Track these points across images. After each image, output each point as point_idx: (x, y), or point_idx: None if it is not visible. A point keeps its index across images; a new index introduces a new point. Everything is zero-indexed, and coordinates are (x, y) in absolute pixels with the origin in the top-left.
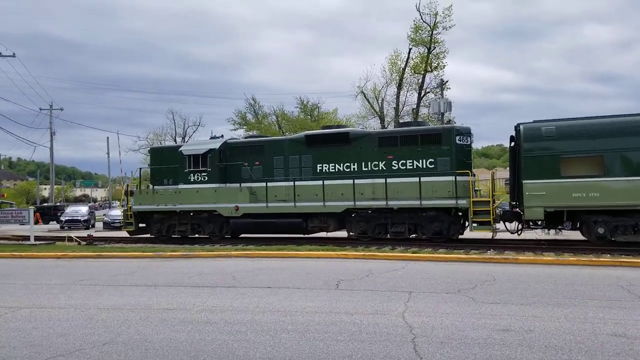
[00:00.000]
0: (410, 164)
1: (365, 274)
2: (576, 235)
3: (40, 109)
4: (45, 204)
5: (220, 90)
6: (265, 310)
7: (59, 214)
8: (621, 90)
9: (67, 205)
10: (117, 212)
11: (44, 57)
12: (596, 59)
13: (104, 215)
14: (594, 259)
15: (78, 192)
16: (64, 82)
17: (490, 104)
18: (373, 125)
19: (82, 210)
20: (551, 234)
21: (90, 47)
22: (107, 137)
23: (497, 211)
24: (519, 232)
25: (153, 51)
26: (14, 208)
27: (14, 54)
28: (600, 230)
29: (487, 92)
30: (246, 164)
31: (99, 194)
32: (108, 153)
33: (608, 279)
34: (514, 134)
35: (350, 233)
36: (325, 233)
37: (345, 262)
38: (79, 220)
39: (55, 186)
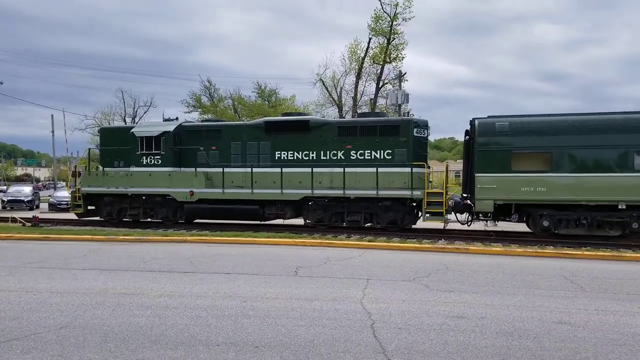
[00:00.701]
0: (369, 155)
1: (323, 261)
2: (520, 227)
3: None
4: None
5: (173, 71)
6: (225, 296)
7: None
8: (567, 89)
9: (9, 185)
10: (64, 193)
11: None
12: (545, 57)
13: (50, 196)
14: (539, 251)
15: (19, 171)
16: (4, 54)
17: (444, 97)
18: (331, 113)
19: (26, 190)
20: (489, 225)
21: (35, 19)
22: (52, 115)
23: (449, 202)
24: (469, 223)
25: (101, 26)
26: None
27: None
28: (545, 223)
29: (442, 85)
30: (202, 148)
31: (42, 173)
32: (53, 131)
33: (552, 269)
34: (468, 128)
35: (307, 221)
36: (282, 220)
37: (303, 249)
38: (22, 201)
39: None
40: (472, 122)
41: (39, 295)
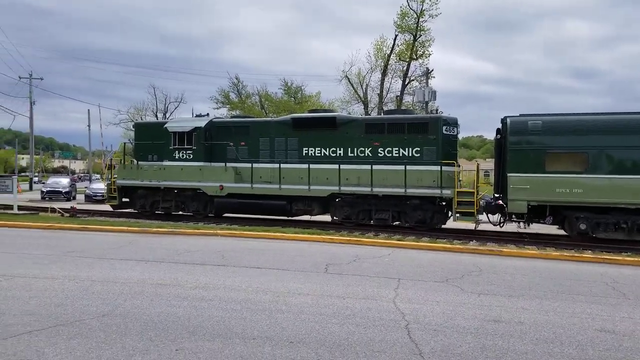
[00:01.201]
0: (397, 152)
1: (352, 259)
2: (554, 230)
3: (20, 78)
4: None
5: (201, 67)
6: (258, 290)
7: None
8: (598, 87)
9: (46, 177)
10: (99, 185)
11: (22, 25)
12: (575, 54)
13: (86, 187)
14: (576, 255)
15: (56, 164)
16: (43, 52)
17: (471, 94)
18: (357, 110)
19: (63, 181)
20: (522, 227)
21: (65, 18)
22: (88, 110)
23: (481, 202)
24: (502, 225)
25: (132, 24)
26: None
27: None
28: (582, 226)
29: (468, 82)
30: (231, 143)
31: (78, 165)
32: (89, 125)
33: (592, 275)
34: (499, 126)
35: (334, 217)
36: (309, 216)
37: (331, 246)
38: (60, 192)
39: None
40: (503, 121)
41: (81, 284)
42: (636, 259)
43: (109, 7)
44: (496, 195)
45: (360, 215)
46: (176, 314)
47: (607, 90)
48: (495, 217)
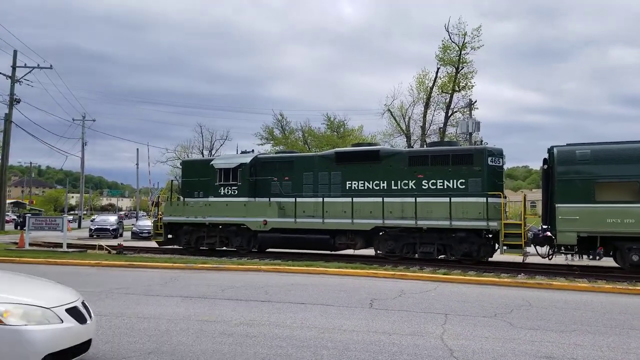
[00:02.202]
0: (441, 184)
1: (397, 294)
2: (606, 262)
3: (73, 120)
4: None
5: (246, 105)
6: (303, 327)
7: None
8: None
9: (94, 214)
10: (145, 222)
11: (75, 69)
12: (623, 81)
13: (132, 225)
14: (630, 288)
15: (105, 201)
16: (94, 94)
17: (515, 124)
18: (399, 143)
19: (111, 219)
20: (572, 260)
21: (119, 61)
22: (137, 149)
23: (528, 234)
24: (550, 257)
25: (179, 65)
26: (47, 216)
27: (51, 65)
28: (635, 258)
29: (512, 112)
30: (275, 178)
31: (125, 203)
32: (137, 164)
33: None
34: (546, 156)
35: (378, 251)
36: (352, 250)
37: (375, 280)
38: (107, 229)
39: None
40: (550, 151)
41: (128, 320)
42: None
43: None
44: (544, 226)
45: (404, 248)
46: (221, 350)
47: None
48: (544, 250)
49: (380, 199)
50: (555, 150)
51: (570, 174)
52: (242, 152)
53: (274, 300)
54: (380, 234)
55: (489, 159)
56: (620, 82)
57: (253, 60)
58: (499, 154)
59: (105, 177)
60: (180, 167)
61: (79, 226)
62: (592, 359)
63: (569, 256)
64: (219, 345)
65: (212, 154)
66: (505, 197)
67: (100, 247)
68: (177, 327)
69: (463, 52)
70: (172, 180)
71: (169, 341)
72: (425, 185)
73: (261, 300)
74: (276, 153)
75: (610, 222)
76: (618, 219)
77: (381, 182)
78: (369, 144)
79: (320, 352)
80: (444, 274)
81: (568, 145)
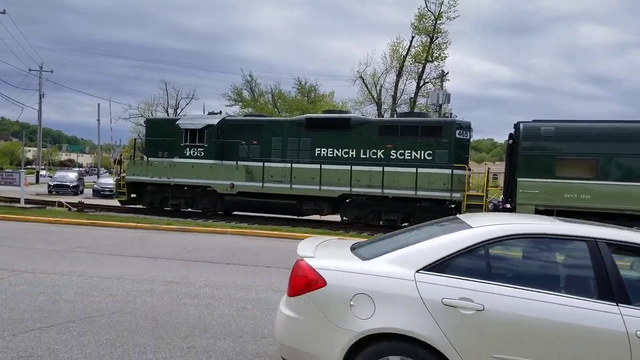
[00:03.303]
0: (409, 155)
1: None
2: None
3: (30, 70)
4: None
5: (214, 64)
6: (268, 289)
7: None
8: (614, 93)
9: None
10: (107, 180)
11: (33, 15)
12: (591, 60)
13: (94, 182)
14: None
15: (64, 157)
16: (53, 44)
17: (483, 97)
18: (370, 111)
19: (71, 175)
20: None
21: (80, 9)
22: (98, 104)
23: (489, 206)
24: None
25: (144, 18)
26: (5, 170)
27: (4, 10)
28: None
29: (482, 85)
30: (244, 142)
31: (85, 159)
32: (99, 120)
33: None
34: (512, 131)
35: (344, 218)
36: (319, 216)
37: None
38: (67, 186)
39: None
40: (516, 126)
41: (90, 280)
42: None
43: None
44: (504, 198)
45: (370, 216)
46: (187, 312)
47: (624, 98)
48: None
49: (348, 167)
50: (521, 125)
51: (533, 149)
52: (210, 113)
53: (239, 263)
54: (347, 201)
55: (457, 131)
56: (588, 60)
57: (221, 18)
58: (466, 127)
59: (64, 131)
60: (144, 125)
61: (37, 181)
62: None
63: None
64: (185, 306)
65: (178, 113)
66: (469, 170)
67: (60, 204)
68: (142, 288)
69: (439, 21)
70: (135, 139)
71: (133, 301)
72: (393, 155)
73: (227, 262)
74: (245, 115)
75: (568, 197)
76: (575, 194)
77: (350, 150)
78: (340, 111)
79: None
80: None
81: (534, 121)
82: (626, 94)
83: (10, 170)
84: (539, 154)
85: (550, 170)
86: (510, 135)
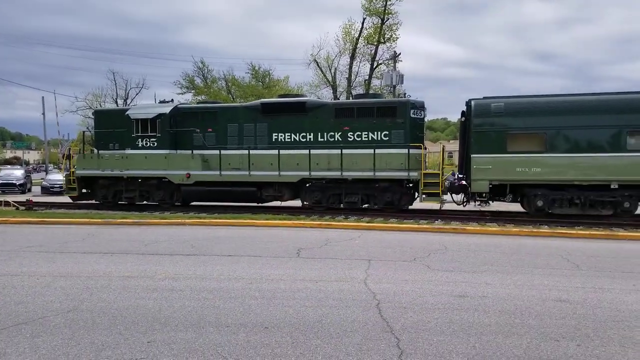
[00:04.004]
0: (366, 136)
1: (323, 243)
2: (514, 207)
3: None
4: None
5: (163, 52)
6: (230, 278)
7: None
8: (559, 69)
9: None
10: (57, 177)
11: None
12: (536, 36)
13: (42, 179)
14: (534, 230)
15: (9, 154)
16: None
17: (436, 77)
18: (325, 95)
19: (17, 173)
20: (483, 206)
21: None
22: (42, 97)
23: (445, 183)
24: (465, 204)
25: (83, 5)
26: None
27: None
28: (539, 203)
29: (434, 65)
30: (198, 130)
31: (32, 156)
32: (44, 113)
33: (549, 248)
34: (464, 109)
35: (305, 202)
36: (279, 202)
37: (302, 230)
38: (14, 184)
39: None
40: (468, 103)
41: (42, 279)
42: (587, 232)
43: None
44: (460, 175)
45: (330, 199)
46: (146, 306)
47: (568, 73)
48: (459, 197)
49: (307, 151)
50: (472, 102)
51: (485, 125)
52: (161, 102)
53: (200, 254)
54: (307, 185)
55: (412, 111)
56: (534, 37)
57: (166, 3)
58: (420, 106)
59: (8, 127)
60: (93, 117)
61: None
62: (501, 296)
63: (481, 203)
64: (144, 300)
65: (128, 103)
66: (425, 149)
67: (7, 204)
68: (98, 284)
69: (389, 2)
70: (83, 132)
71: (88, 299)
72: (350, 137)
73: (187, 254)
74: (198, 103)
75: (520, 170)
76: (526, 167)
77: (308, 133)
78: (296, 95)
79: (247, 302)
80: (367, 222)
81: (485, 98)
82: (570, 69)
83: None
84: (490, 130)
85: (502, 146)
86: (463, 113)
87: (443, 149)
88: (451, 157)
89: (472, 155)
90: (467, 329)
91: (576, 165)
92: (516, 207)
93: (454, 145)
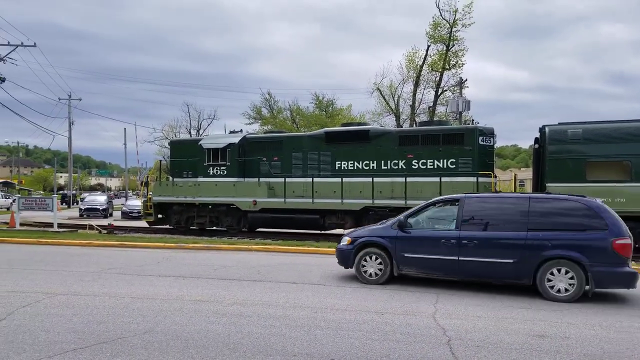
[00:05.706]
0: (431, 164)
1: None
2: None
3: (59, 99)
4: (62, 191)
5: (231, 84)
6: (295, 306)
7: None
8: (637, 91)
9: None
10: (135, 202)
11: (55, 47)
12: (613, 58)
13: (122, 204)
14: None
15: (93, 181)
16: (78, 73)
17: (503, 102)
18: (388, 122)
19: (101, 199)
20: None
21: (99, 39)
22: (124, 128)
23: None
24: None
25: (160, 43)
26: (38, 196)
27: (35, 43)
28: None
29: (500, 90)
30: (265, 159)
31: (113, 183)
32: (125, 143)
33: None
34: (537, 135)
35: None
36: (342, 230)
37: None
38: (97, 209)
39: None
40: (542, 130)
41: (122, 301)
42: None
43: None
44: None
45: None
46: (216, 330)
47: None
48: None
49: (370, 179)
50: (547, 129)
51: (561, 153)
52: (231, 132)
53: (266, 280)
54: (370, 213)
55: (480, 138)
56: (610, 59)
57: (235, 39)
58: (490, 133)
59: (93, 156)
60: (169, 147)
61: (69, 206)
62: (585, 338)
63: None
64: (213, 325)
65: (200, 133)
66: (495, 177)
67: (91, 227)
68: (171, 307)
69: (454, 29)
70: (160, 160)
71: (163, 321)
72: (415, 165)
73: (253, 279)
74: (264, 133)
75: (602, 201)
76: (609, 198)
77: (371, 162)
78: (359, 124)
79: (313, 332)
80: None
81: (560, 124)
82: None
83: (44, 197)
84: (567, 158)
85: (580, 174)
86: (536, 140)
87: (515, 177)
88: (522, 185)
89: (547, 184)
90: None
91: None
92: None
93: (525, 173)
